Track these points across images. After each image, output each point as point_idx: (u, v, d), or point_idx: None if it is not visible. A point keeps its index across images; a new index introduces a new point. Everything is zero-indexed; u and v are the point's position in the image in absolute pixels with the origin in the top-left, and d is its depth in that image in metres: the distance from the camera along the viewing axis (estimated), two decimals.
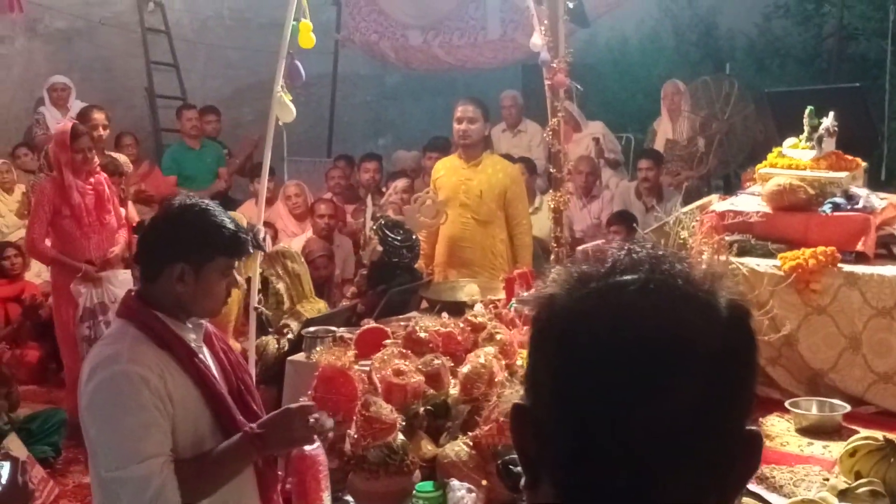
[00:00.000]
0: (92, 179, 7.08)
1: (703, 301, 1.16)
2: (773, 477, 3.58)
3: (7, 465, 2.88)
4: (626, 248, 1.22)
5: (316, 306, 6.49)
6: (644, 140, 10.53)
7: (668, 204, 7.79)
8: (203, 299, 3.10)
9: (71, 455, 6.63)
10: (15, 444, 6.00)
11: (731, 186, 8.66)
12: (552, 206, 6.37)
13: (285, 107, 5.05)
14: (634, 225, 6.73)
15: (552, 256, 6.36)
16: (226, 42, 12.33)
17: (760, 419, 4.19)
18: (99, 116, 8.19)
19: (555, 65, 6.23)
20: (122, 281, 6.94)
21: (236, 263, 3.21)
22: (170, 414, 2.94)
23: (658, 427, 1.11)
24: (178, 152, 10.18)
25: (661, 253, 1.20)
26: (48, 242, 7.03)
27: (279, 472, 3.41)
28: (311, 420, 3.07)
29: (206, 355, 3.17)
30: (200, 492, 2.97)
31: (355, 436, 3.74)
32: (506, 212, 6.86)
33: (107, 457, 2.92)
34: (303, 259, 6.78)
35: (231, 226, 3.11)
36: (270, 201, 9.21)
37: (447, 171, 7.02)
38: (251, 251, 3.39)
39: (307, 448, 3.28)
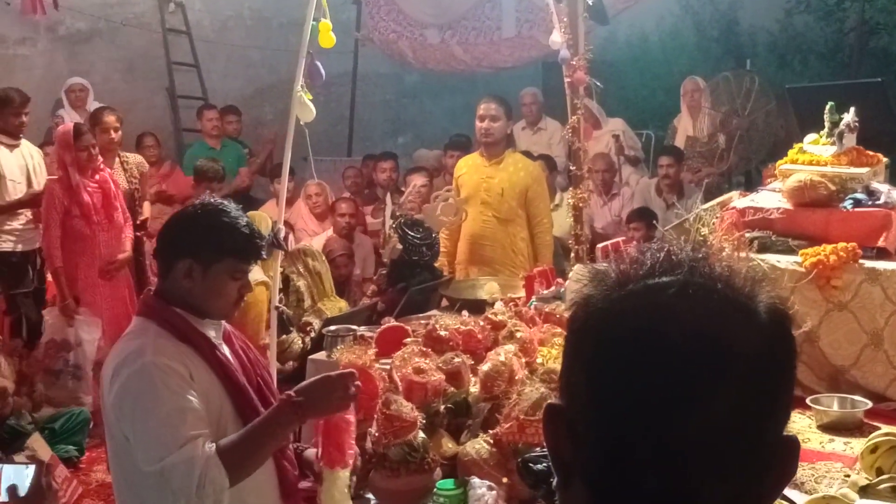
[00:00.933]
0: (97, 177, 7.21)
1: (743, 305, 1.15)
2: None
3: (31, 468, 2.91)
4: (665, 248, 1.20)
5: (337, 304, 6.51)
6: (664, 137, 10.50)
7: (689, 201, 7.75)
8: (211, 298, 3.11)
9: (94, 454, 6.67)
10: (38, 444, 6.04)
11: (752, 183, 8.63)
12: (572, 203, 6.36)
13: (305, 106, 5.06)
14: (654, 222, 6.73)
15: (572, 254, 6.35)
16: (246, 42, 12.36)
17: None
18: (110, 119, 8.22)
19: (574, 62, 6.23)
20: (91, 329, 7.05)
21: (248, 268, 3.21)
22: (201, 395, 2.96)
23: (695, 431, 1.10)
24: (198, 152, 10.22)
25: (700, 255, 1.19)
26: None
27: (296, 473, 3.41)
28: (353, 389, 3.03)
29: (226, 352, 3.18)
30: (243, 466, 2.93)
31: (376, 434, 3.75)
32: (527, 210, 6.86)
33: (147, 450, 2.90)
34: (324, 258, 6.80)
35: (245, 229, 3.14)
36: (291, 201, 9.24)
37: (469, 168, 7.03)
38: (264, 256, 3.40)
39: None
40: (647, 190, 9.08)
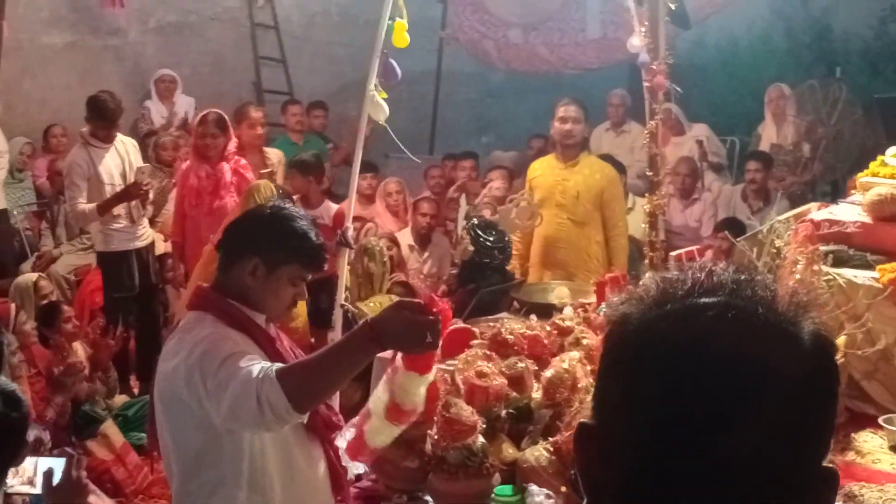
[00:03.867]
0: (222, 166, 7.31)
1: (785, 330, 1.13)
2: (862, 495, 3.49)
3: (62, 462, 2.95)
4: (707, 268, 1.19)
5: (378, 299, 6.42)
6: (749, 144, 10.34)
7: (776, 207, 7.66)
8: (269, 298, 3.17)
9: None
10: (111, 430, 6.13)
11: (838, 193, 8.45)
12: (647, 209, 6.30)
13: (378, 105, 5.08)
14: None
15: (646, 261, 6.28)
16: (332, 38, 12.42)
17: (853, 434, 4.08)
18: (257, 115, 8.35)
19: (654, 66, 6.16)
20: None
21: (308, 276, 3.26)
22: None
23: (730, 456, 1.08)
24: (281, 146, 10.30)
25: (744, 277, 1.17)
26: None
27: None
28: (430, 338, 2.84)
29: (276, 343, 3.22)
30: (306, 387, 2.81)
31: (435, 436, 3.75)
32: (602, 213, 6.79)
33: (217, 398, 2.85)
34: (385, 258, 6.71)
35: (315, 239, 3.21)
36: (371, 198, 9.27)
37: (544, 170, 6.99)
38: (325, 269, 3.45)
39: None
40: (731, 197, 8.96)
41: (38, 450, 4.56)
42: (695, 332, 1.12)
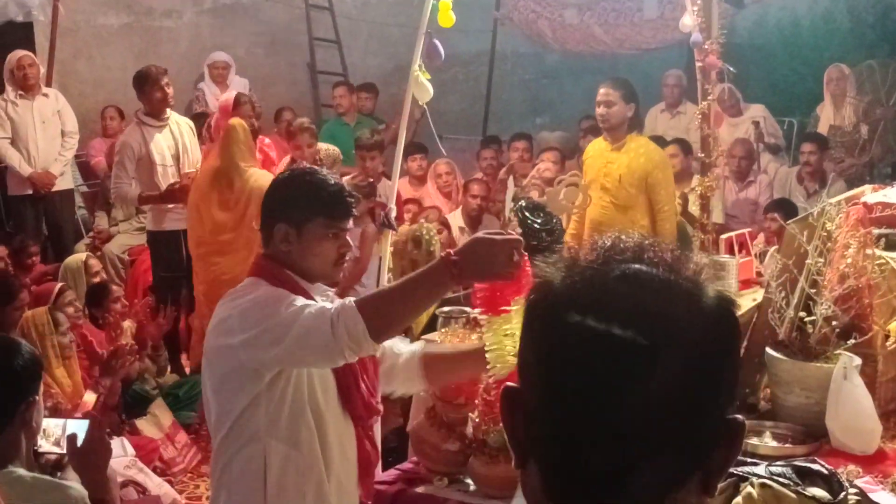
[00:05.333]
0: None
1: (685, 289, 1.19)
2: None
3: (86, 423, 3.00)
4: (614, 236, 1.25)
5: None
6: (807, 125, 10.18)
7: (829, 189, 7.52)
8: (309, 259, 3.13)
9: None
10: (161, 409, 6.19)
11: None
12: (699, 192, 6.21)
13: (422, 86, 5.05)
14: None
15: (697, 243, 6.19)
16: (387, 19, 12.39)
17: None
18: (304, 120, 8.38)
19: (707, 46, 6.06)
20: None
21: (342, 225, 3.19)
22: None
23: (636, 412, 1.13)
24: (333, 127, 10.34)
25: (648, 242, 1.23)
26: None
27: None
28: (517, 256, 2.81)
29: None
30: (384, 312, 2.85)
31: (476, 419, 3.73)
32: (648, 197, 6.68)
33: (277, 329, 2.88)
34: (433, 247, 6.66)
35: (333, 188, 3.15)
36: (422, 179, 9.25)
37: (594, 153, 6.91)
38: (356, 213, 3.37)
39: None
40: (787, 178, 8.83)
41: None
42: (600, 293, 1.18)
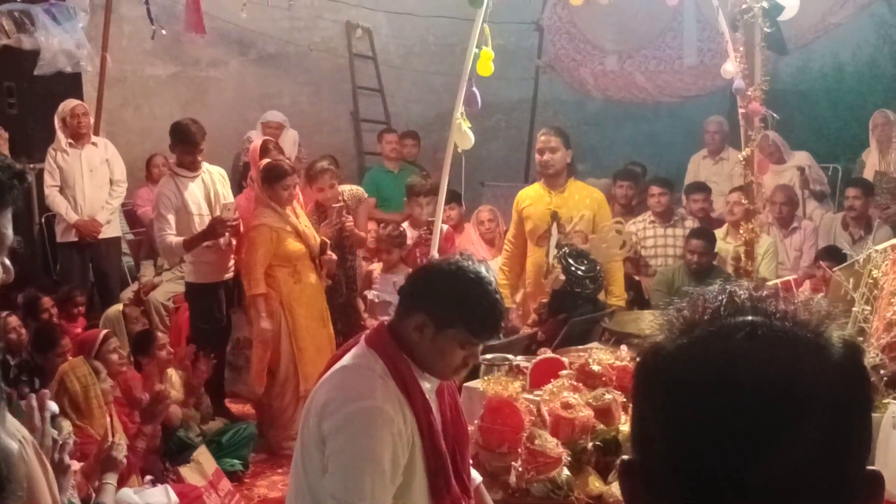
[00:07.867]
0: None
1: (814, 343, 1.14)
2: None
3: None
4: (726, 291, 1.19)
5: None
6: (852, 171, 10.09)
7: (877, 235, 7.45)
8: (435, 358, 3.04)
9: (258, 469, 6.79)
10: (204, 457, 6.18)
11: None
12: (744, 238, 6.16)
13: (464, 134, 5.08)
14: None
15: None
16: (430, 68, 12.51)
17: None
18: (322, 162, 8.41)
19: (749, 92, 6.05)
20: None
21: (481, 343, 3.10)
22: (404, 457, 2.95)
23: (775, 474, 1.09)
24: (377, 175, 10.40)
25: (763, 294, 1.18)
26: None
27: None
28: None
29: (435, 410, 3.12)
30: None
31: (520, 468, 3.71)
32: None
33: (338, 484, 2.90)
34: None
35: (489, 309, 3.01)
36: (456, 228, 9.27)
37: (532, 200, 6.97)
38: (501, 339, 3.33)
39: None
40: (832, 225, 8.75)
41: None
42: (726, 355, 1.13)
